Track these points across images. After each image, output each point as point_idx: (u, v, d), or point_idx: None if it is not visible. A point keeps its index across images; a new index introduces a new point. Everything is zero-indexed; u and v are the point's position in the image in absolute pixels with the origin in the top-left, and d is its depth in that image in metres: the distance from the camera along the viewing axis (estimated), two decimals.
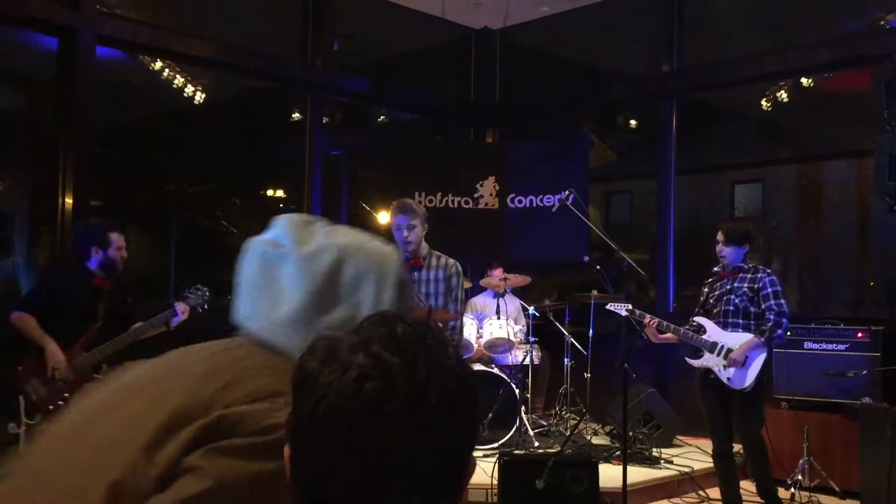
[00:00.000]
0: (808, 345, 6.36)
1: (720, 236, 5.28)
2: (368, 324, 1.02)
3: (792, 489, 5.87)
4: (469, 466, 1.01)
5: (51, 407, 4.62)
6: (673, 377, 7.55)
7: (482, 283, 7.46)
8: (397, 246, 4.89)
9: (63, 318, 4.82)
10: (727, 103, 10.52)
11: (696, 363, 5.30)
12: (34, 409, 4.64)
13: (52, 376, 4.68)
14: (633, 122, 10.65)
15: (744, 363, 5.13)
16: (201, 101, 9.65)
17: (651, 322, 5.30)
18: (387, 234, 5.25)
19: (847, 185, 14.25)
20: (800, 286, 14.79)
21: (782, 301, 5.21)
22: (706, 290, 5.46)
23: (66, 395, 4.61)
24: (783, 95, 8.63)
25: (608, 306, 5.67)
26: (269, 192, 14.87)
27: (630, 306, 5.41)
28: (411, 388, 0.94)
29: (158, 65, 9.18)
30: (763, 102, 9.06)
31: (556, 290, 10.09)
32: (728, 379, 5.19)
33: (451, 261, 4.99)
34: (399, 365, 0.95)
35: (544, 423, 7.08)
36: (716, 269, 5.42)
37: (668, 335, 5.36)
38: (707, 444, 6.23)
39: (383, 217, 11.63)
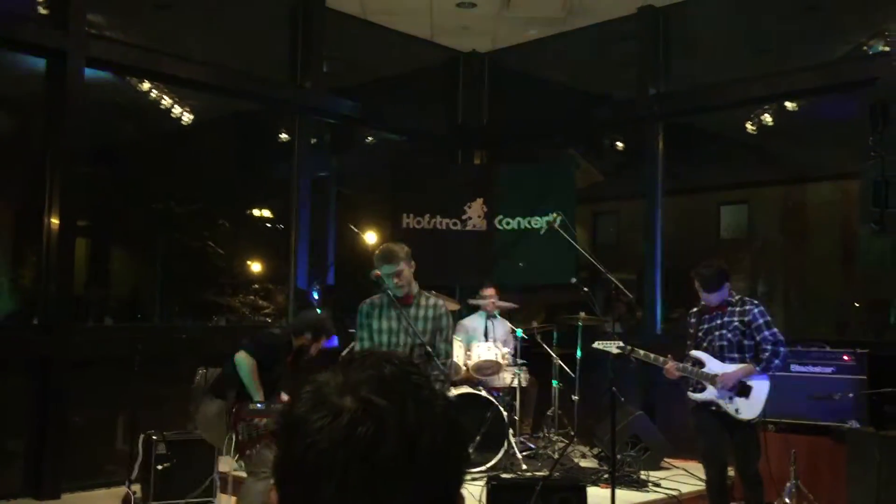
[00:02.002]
0: (794, 367, 6.38)
1: (697, 285, 5.22)
2: (355, 365, 1.02)
3: None
4: (459, 503, 1.01)
5: (247, 452, 5.01)
6: (660, 400, 7.55)
7: (471, 302, 7.47)
8: (380, 274, 4.93)
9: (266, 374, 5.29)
10: (713, 126, 10.61)
11: (699, 397, 5.21)
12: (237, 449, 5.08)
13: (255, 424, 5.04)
14: (619, 143, 10.72)
15: (738, 388, 5.11)
16: (189, 122, 9.65)
17: (671, 366, 5.20)
18: (371, 256, 5.27)
19: (832, 207, 14.36)
20: (785, 307, 14.86)
21: (775, 330, 5.18)
22: (694, 321, 5.38)
23: (258, 445, 4.99)
24: (768, 119, 8.71)
25: (596, 345, 5.59)
26: (257, 213, 14.85)
27: (621, 343, 5.35)
28: (402, 431, 0.94)
29: (146, 86, 9.18)
30: (748, 125, 9.14)
31: (543, 311, 10.12)
32: (736, 410, 5.15)
33: (440, 301, 5.15)
34: (389, 408, 0.95)
35: (532, 446, 7.05)
36: (703, 302, 5.35)
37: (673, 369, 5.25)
38: (694, 467, 6.22)
39: (370, 237, 11.64)
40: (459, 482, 1.00)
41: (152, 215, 13.54)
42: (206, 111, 9.73)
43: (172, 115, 9.53)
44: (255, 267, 15.62)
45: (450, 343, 5.05)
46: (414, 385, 1.00)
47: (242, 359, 5.20)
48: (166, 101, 9.43)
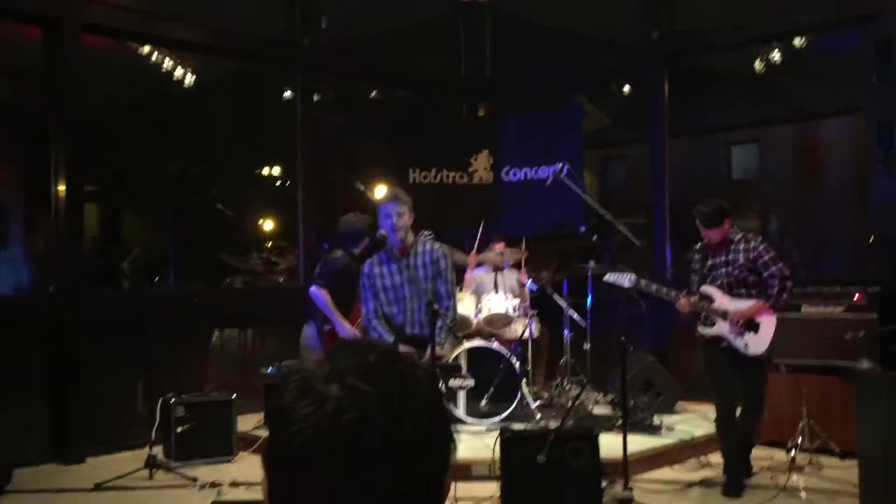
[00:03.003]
0: (805, 307, 6.38)
1: (698, 223, 5.27)
2: (341, 353, 1.03)
3: (792, 451, 5.92)
4: (445, 488, 1.03)
5: None
6: (672, 344, 7.58)
7: (480, 258, 7.46)
8: (386, 233, 4.95)
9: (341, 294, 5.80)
10: (720, 65, 10.46)
11: (709, 331, 5.28)
12: None
13: None
14: (626, 87, 10.61)
15: (751, 325, 5.17)
16: (191, 84, 9.61)
17: (683, 301, 5.23)
18: (376, 211, 5.29)
19: (842, 142, 14.22)
20: (798, 246, 14.81)
21: (781, 265, 5.24)
22: (698, 257, 5.43)
23: None
24: (776, 56, 8.58)
25: (607, 277, 5.62)
26: (264, 172, 14.84)
27: (633, 275, 5.37)
28: (388, 418, 0.96)
29: (147, 49, 9.11)
30: (756, 64, 9.01)
31: (554, 260, 10.09)
32: (745, 345, 5.22)
33: (437, 245, 5.17)
34: (373, 395, 0.97)
35: (545, 396, 7.12)
36: (705, 239, 5.40)
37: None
38: (707, 409, 6.28)
39: (378, 192, 11.62)
40: (445, 468, 1.02)
41: (160, 178, 13.58)
42: (207, 72, 9.68)
43: (175, 78, 9.50)
44: (267, 225, 15.69)
45: (450, 283, 5.09)
46: (398, 373, 1.01)
47: (314, 293, 5.76)
48: (168, 64, 9.39)
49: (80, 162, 6.74)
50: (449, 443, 1.03)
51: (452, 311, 5.07)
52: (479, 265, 7.52)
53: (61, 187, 6.54)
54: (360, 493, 0.95)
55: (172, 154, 12.85)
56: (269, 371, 4.56)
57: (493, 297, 7.05)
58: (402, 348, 4.80)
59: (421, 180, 8.16)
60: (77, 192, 6.71)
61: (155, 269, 12.61)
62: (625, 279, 5.43)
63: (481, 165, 8.19)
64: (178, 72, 9.46)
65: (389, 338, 4.92)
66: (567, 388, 7.17)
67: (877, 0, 6.54)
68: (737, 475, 5.32)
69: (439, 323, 4.74)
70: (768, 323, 5.24)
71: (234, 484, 5.67)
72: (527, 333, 7.03)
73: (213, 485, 5.63)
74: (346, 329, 5.74)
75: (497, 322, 7.04)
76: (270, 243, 13.82)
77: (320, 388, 0.98)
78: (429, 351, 4.64)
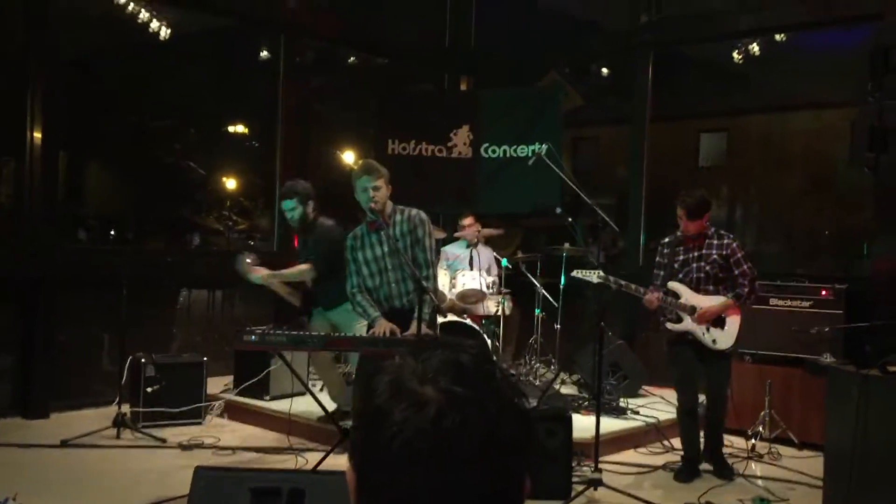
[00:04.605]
0: (773, 301, 6.53)
1: (681, 212, 5.31)
2: (432, 352, 1.04)
3: (753, 440, 6.08)
4: (527, 483, 1.06)
5: None
6: (639, 328, 7.71)
7: (457, 234, 7.47)
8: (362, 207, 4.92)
9: None
10: (697, 53, 10.52)
11: (677, 327, 5.36)
12: None
13: None
14: (604, 69, 10.63)
15: (717, 320, 5.28)
16: (166, 36, 9.39)
17: (651, 297, 5.27)
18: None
19: (809, 136, 14.46)
20: (760, 236, 15.09)
21: (751, 264, 5.35)
22: (667, 251, 5.48)
23: None
24: (755, 49, 8.65)
25: (575, 273, 5.61)
26: (233, 129, 14.61)
27: (601, 273, 5.41)
28: (485, 422, 0.98)
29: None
30: (735, 54, 9.08)
31: (517, 237, 10.14)
32: (713, 341, 5.32)
33: (415, 211, 5.08)
34: (471, 399, 0.99)
35: (514, 373, 7.20)
36: (678, 233, 5.45)
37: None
38: (670, 395, 6.40)
39: (349, 157, 11.54)
40: (528, 466, 1.05)
41: (128, 130, 13.31)
42: (185, 25, 9.47)
43: (151, 30, 9.27)
44: (230, 184, 15.48)
45: (428, 251, 5.00)
46: (489, 375, 1.03)
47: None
48: (144, 15, 9.16)
49: (58, 110, 6.59)
50: (533, 443, 1.06)
51: (433, 281, 5.04)
52: (454, 240, 7.53)
53: (37, 135, 6.39)
54: (457, 493, 0.97)
55: (140, 106, 12.59)
56: (252, 339, 4.52)
57: (468, 273, 7.08)
58: (384, 324, 4.80)
59: (400, 152, 8.12)
60: (53, 141, 6.55)
61: (115, 223, 12.41)
62: (592, 276, 5.44)
63: (461, 140, 8.16)
64: (154, 24, 9.24)
65: (374, 312, 4.89)
66: (535, 366, 7.26)
67: (866, 2, 6.65)
68: (691, 463, 5.44)
69: (427, 299, 4.73)
70: (734, 318, 5.37)
71: (206, 446, 5.66)
72: (499, 310, 7.09)
73: (184, 447, 5.62)
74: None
75: (471, 297, 7.08)
76: (230, 202, 13.67)
77: (416, 389, 0.99)
78: (414, 327, 4.65)
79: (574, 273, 5.60)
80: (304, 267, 5.83)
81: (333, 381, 6.06)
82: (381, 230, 4.91)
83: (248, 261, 5.87)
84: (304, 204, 5.84)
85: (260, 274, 5.81)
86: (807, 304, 6.44)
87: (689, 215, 5.29)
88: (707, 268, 5.34)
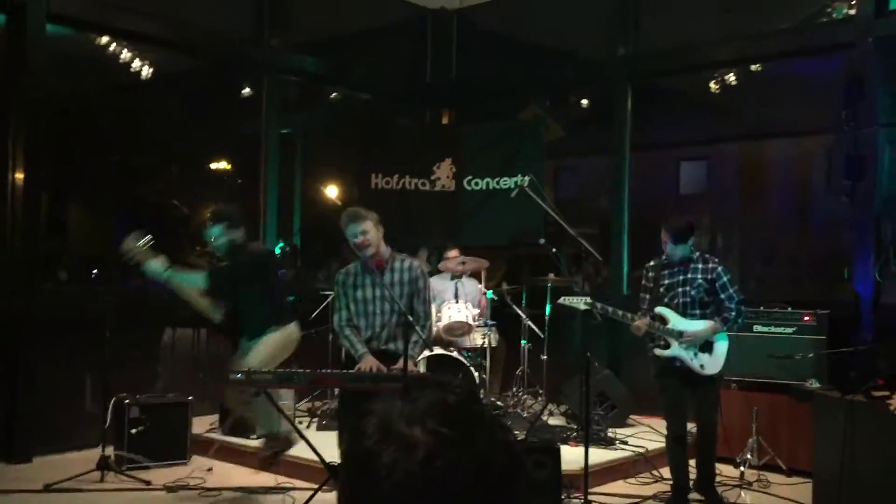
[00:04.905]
0: (757, 328, 6.55)
1: (666, 236, 5.32)
2: (414, 393, 1.05)
3: (741, 467, 6.07)
4: None
5: None
6: (626, 357, 7.70)
7: (440, 266, 7.48)
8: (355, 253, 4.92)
9: None
10: (676, 82, 10.64)
11: (665, 353, 5.35)
12: None
13: None
14: (584, 100, 10.74)
15: (705, 346, 5.28)
16: (148, 76, 9.43)
17: (639, 322, 5.27)
18: (338, 214, 5.27)
19: (789, 163, 14.65)
20: (741, 262, 15.20)
21: (737, 287, 5.37)
22: (652, 275, 5.48)
23: None
24: (731, 78, 8.77)
25: (563, 300, 5.63)
26: (215, 167, 14.60)
27: (588, 299, 5.41)
28: (474, 463, 0.99)
29: (105, 40, 8.92)
30: (711, 84, 9.20)
31: (501, 269, 10.16)
32: (701, 367, 5.31)
33: (415, 263, 5.09)
34: (460, 439, 0.99)
35: (501, 406, 7.17)
36: (663, 257, 5.47)
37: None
38: (658, 423, 6.39)
39: (332, 192, 11.56)
40: (517, 500, 1.06)
41: (110, 169, 13.29)
42: (167, 64, 9.50)
43: (132, 70, 9.30)
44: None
45: (427, 304, 5.02)
46: (476, 414, 1.04)
47: None
48: (126, 56, 9.19)
49: (39, 151, 6.59)
50: (523, 477, 1.06)
51: (427, 332, 5.02)
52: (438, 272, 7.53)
53: (19, 175, 6.38)
54: None
55: (124, 146, 12.59)
56: (238, 377, 4.50)
57: (453, 306, 7.07)
58: (371, 361, 4.77)
59: (383, 186, 8.15)
60: (35, 182, 6.54)
61: (97, 263, 12.32)
62: (580, 303, 5.45)
63: (444, 174, 8.21)
64: (136, 64, 9.28)
65: (362, 349, 4.85)
66: (523, 398, 7.24)
67: (840, 32, 6.77)
68: (682, 492, 5.42)
69: (414, 338, 4.71)
70: (721, 343, 5.37)
71: (191, 487, 5.60)
72: (486, 342, 7.08)
73: (169, 488, 5.55)
74: None
75: (457, 330, 7.07)
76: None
77: (404, 431, 0.99)
78: (400, 364, 4.63)
79: (561, 300, 5.61)
80: (203, 274, 5.26)
81: (256, 412, 5.43)
82: (374, 274, 4.87)
83: (142, 242, 5.05)
84: (235, 230, 5.27)
85: (159, 263, 5.04)
86: (790, 329, 6.47)
87: (675, 239, 5.31)
88: (692, 292, 5.34)
